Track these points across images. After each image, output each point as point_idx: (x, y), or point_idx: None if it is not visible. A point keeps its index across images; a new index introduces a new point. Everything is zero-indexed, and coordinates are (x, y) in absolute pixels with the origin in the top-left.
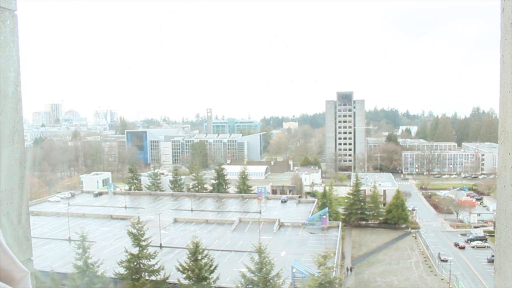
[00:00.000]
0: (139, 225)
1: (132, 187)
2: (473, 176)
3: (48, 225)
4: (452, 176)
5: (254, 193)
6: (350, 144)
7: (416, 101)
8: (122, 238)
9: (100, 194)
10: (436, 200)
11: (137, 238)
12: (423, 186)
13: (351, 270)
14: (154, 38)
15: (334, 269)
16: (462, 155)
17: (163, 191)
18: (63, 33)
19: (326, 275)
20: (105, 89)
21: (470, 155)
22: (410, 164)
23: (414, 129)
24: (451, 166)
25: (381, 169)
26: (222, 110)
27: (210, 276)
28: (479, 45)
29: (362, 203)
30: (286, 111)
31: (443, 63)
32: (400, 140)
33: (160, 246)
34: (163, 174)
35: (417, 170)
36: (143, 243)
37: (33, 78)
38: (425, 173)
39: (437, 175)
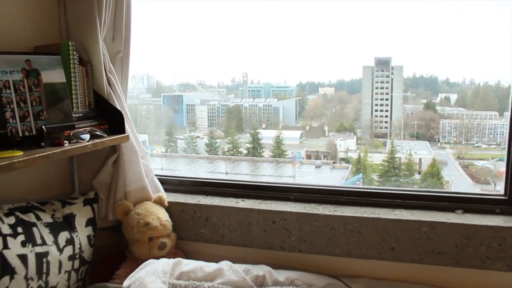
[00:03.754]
0: None
1: (169, 150)
2: None
3: None
4: (491, 147)
5: (289, 158)
6: (386, 111)
7: (457, 68)
8: None
9: None
10: (474, 170)
11: None
12: (461, 156)
13: None
14: None
15: None
16: (503, 125)
17: (198, 153)
18: None
19: None
20: (141, 53)
21: None
22: (448, 132)
23: (453, 97)
24: (491, 136)
25: (417, 137)
26: (258, 74)
27: None
28: None
29: (396, 171)
30: (322, 77)
31: (489, 26)
32: (438, 108)
33: None
34: (198, 137)
35: (455, 139)
36: None
37: None
38: (463, 143)
39: (475, 145)
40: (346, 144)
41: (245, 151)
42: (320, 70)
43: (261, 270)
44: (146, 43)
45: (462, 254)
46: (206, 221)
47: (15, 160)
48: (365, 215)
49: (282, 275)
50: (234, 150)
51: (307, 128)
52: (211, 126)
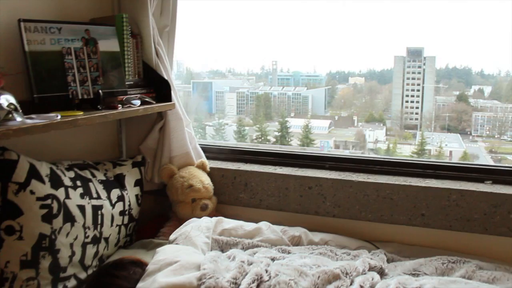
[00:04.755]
0: None
1: (197, 136)
2: None
3: None
4: None
5: (317, 147)
6: (417, 102)
7: (492, 59)
8: None
9: None
10: None
11: None
12: (493, 150)
13: None
14: None
15: None
16: None
17: (226, 141)
18: None
19: None
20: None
21: None
22: (481, 126)
23: (487, 89)
24: None
25: (448, 129)
26: (288, 63)
27: None
28: None
29: None
30: (353, 66)
31: None
32: (471, 100)
33: None
34: (227, 124)
35: (487, 132)
36: None
37: None
38: (496, 136)
39: (509, 139)
40: (375, 135)
41: (273, 139)
42: (350, 60)
43: (297, 231)
44: (177, 29)
45: (490, 221)
46: (245, 186)
47: (78, 117)
48: (397, 182)
49: (316, 237)
50: (262, 138)
51: (336, 117)
52: (240, 113)
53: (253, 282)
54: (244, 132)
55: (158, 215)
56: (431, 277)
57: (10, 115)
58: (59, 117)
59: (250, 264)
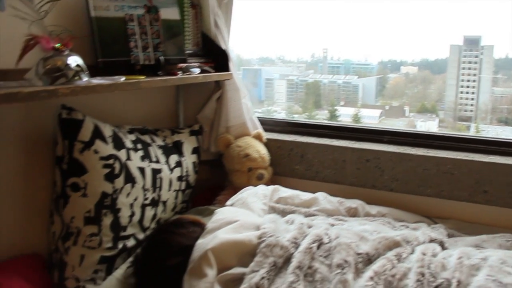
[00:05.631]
0: None
1: None
2: None
3: None
4: None
5: None
6: (473, 93)
7: None
8: None
9: None
10: None
11: None
12: None
13: None
14: None
15: None
16: None
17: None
18: None
19: None
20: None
21: None
22: None
23: None
24: None
25: (506, 122)
26: (338, 51)
27: None
28: None
29: None
30: (405, 55)
31: None
32: None
33: None
34: (276, 111)
35: None
36: None
37: None
38: None
39: None
40: (427, 126)
41: None
42: (403, 48)
43: (354, 203)
44: (234, 2)
45: None
46: (301, 158)
47: (141, 80)
48: (459, 157)
49: (373, 209)
50: None
51: (387, 107)
52: (289, 101)
53: (313, 243)
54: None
55: (213, 185)
56: (496, 250)
57: (77, 76)
58: (123, 79)
59: (309, 227)
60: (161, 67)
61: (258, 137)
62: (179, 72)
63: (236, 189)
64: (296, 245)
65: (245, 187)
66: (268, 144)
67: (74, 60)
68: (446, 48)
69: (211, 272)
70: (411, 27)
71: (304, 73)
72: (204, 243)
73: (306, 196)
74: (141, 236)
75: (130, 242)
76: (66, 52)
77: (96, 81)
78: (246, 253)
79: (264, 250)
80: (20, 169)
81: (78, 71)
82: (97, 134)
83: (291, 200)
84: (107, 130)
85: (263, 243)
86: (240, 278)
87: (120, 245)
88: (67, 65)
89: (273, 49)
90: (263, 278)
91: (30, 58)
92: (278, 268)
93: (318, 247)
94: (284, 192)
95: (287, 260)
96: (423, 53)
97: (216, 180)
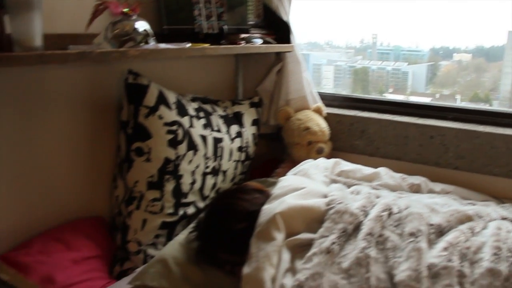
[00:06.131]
0: None
1: None
2: None
3: None
4: None
5: None
6: None
7: None
8: None
9: None
10: None
11: None
12: None
13: None
14: None
15: None
16: None
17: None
18: None
19: None
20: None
21: None
22: None
23: None
24: None
25: None
26: (388, 37)
27: None
28: None
29: None
30: (458, 41)
31: None
32: None
33: None
34: None
35: None
36: None
37: None
38: None
39: None
40: None
41: None
42: (456, 34)
43: (417, 179)
44: None
45: None
46: (362, 133)
47: (206, 47)
48: None
49: (437, 187)
50: None
51: (437, 95)
52: (336, 87)
53: (383, 211)
54: None
55: (271, 159)
56: None
57: (145, 40)
58: (189, 45)
59: (377, 197)
60: (224, 36)
61: (318, 111)
62: (241, 42)
63: (295, 163)
64: (365, 213)
65: (304, 160)
66: (328, 118)
67: (142, 25)
68: (504, 35)
69: (279, 236)
70: (465, 12)
71: (352, 59)
72: (271, 208)
73: (368, 170)
74: (201, 204)
75: (190, 210)
76: (134, 17)
77: (163, 45)
78: (314, 219)
79: (333, 216)
80: (87, 133)
81: (145, 36)
82: (162, 100)
83: (353, 174)
84: (171, 97)
85: (332, 209)
86: (308, 244)
87: (181, 212)
88: (135, 30)
89: (321, 34)
90: (333, 243)
91: (99, 24)
92: (348, 235)
93: (388, 216)
94: (346, 165)
95: (357, 227)
96: (478, 40)
97: (273, 154)
